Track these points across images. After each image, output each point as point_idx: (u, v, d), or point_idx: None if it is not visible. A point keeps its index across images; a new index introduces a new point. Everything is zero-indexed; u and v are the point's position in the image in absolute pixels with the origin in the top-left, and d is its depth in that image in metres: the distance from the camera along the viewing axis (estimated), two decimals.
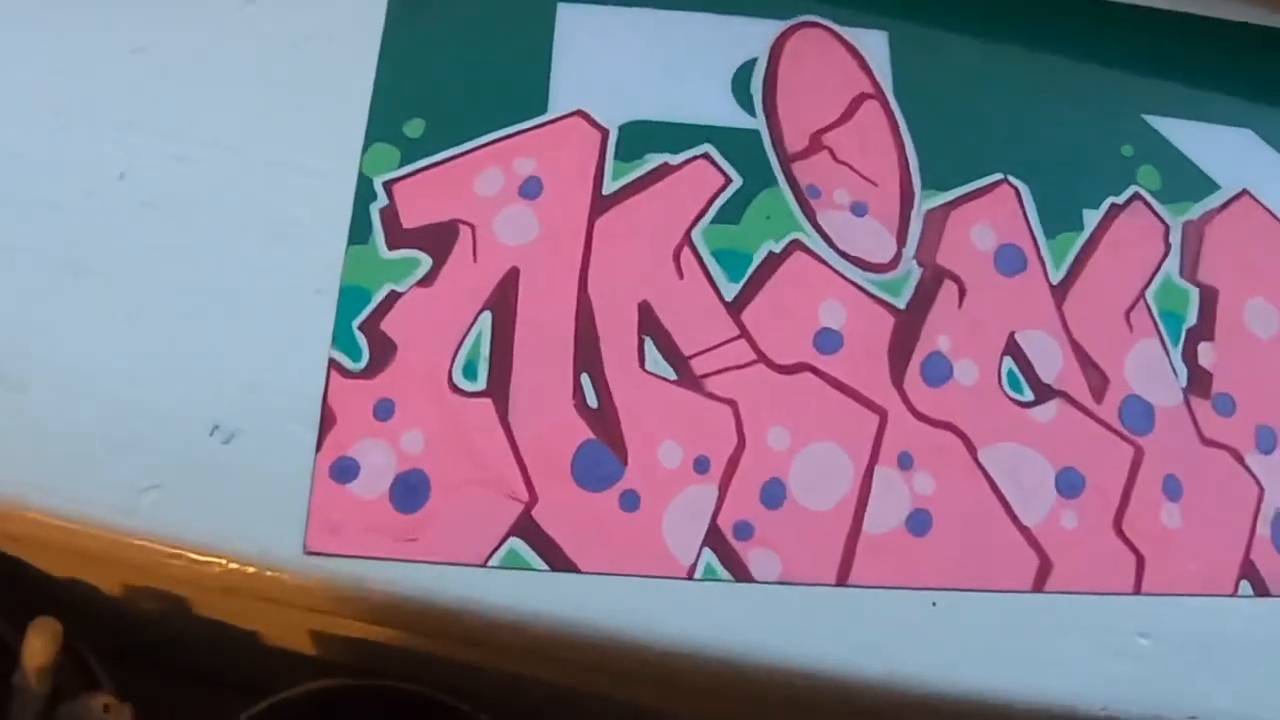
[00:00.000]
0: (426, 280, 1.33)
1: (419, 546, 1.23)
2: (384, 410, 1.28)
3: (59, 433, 1.25)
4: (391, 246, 1.35)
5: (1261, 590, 1.38)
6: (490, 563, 1.23)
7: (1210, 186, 1.54)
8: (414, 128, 1.40)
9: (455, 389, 1.30)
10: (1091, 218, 1.47)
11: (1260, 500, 1.41)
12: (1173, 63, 1.59)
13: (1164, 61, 1.59)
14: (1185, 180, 1.52)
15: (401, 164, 1.38)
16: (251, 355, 1.30)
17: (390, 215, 1.36)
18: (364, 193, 1.37)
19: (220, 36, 1.42)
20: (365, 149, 1.39)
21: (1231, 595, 1.37)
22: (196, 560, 1.24)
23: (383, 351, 1.30)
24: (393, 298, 1.32)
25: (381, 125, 1.39)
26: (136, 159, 1.38)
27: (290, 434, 1.27)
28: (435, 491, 1.25)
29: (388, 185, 1.37)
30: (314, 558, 1.23)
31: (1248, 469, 1.41)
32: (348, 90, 1.41)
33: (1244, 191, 1.55)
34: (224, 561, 1.23)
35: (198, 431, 1.28)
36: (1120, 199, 1.50)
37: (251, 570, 1.23)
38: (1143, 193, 1.51)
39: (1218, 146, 1.56)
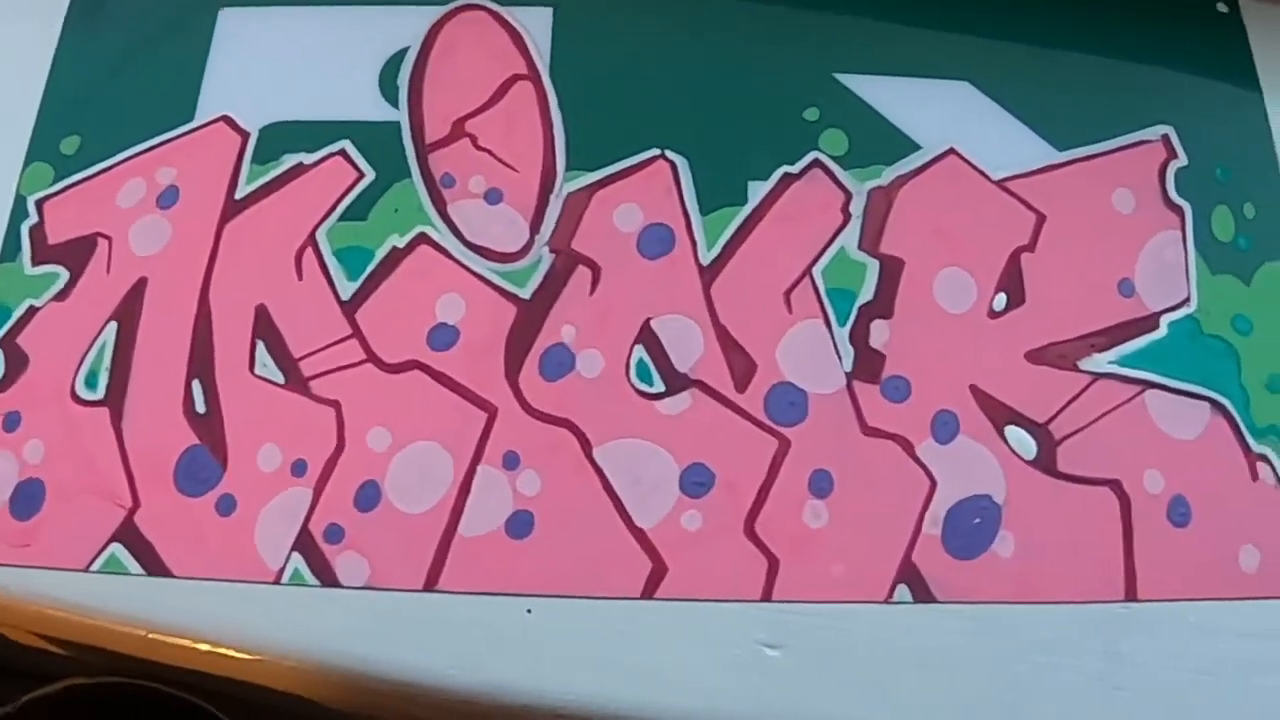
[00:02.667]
0: (62, 294, 1.31)
1: (30, 552, 1.21)
2: (11, 422, 1.27)
3: None
4: (36, 262, 1.33)
5: (923, 596, 1.20)
6: (91, 568, 1.21)
7: (909, 147, 1.35)
8: (70, 145, 1.37)
9: (77, 399, 1.27)
10: (758, 190, 1.32)
11: (931, 495, 1.23)
12: (876, 16, 1.40)
13: (865, 15, 1.40)
14: (878, 142, 1.34)
15: (55, 181, 1.36)
16: None
17: (38, 232, 1.34)
18: (18, 212, 1.35)
19: None
20: (24, 169, 1.38)
21: (885, 602, 1.20)
22: None
23: (16, 366, 1.28)
24: (30, 313, 1.30)
25: (41, 145, 1.38)
26: None
27: None
28: (50, 499, 1.23)
29: (39, 203, 1.35)
30: None
31: (918, 461, 1.24)
32: (14, 113, 1.41)
33: (950, 150, 1.36)
34: None
35: None
36: (795, 168, 1.33)
37: None
38: (824, 159, 1.34)
39: (925, 103, 1.37)
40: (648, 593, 1.17)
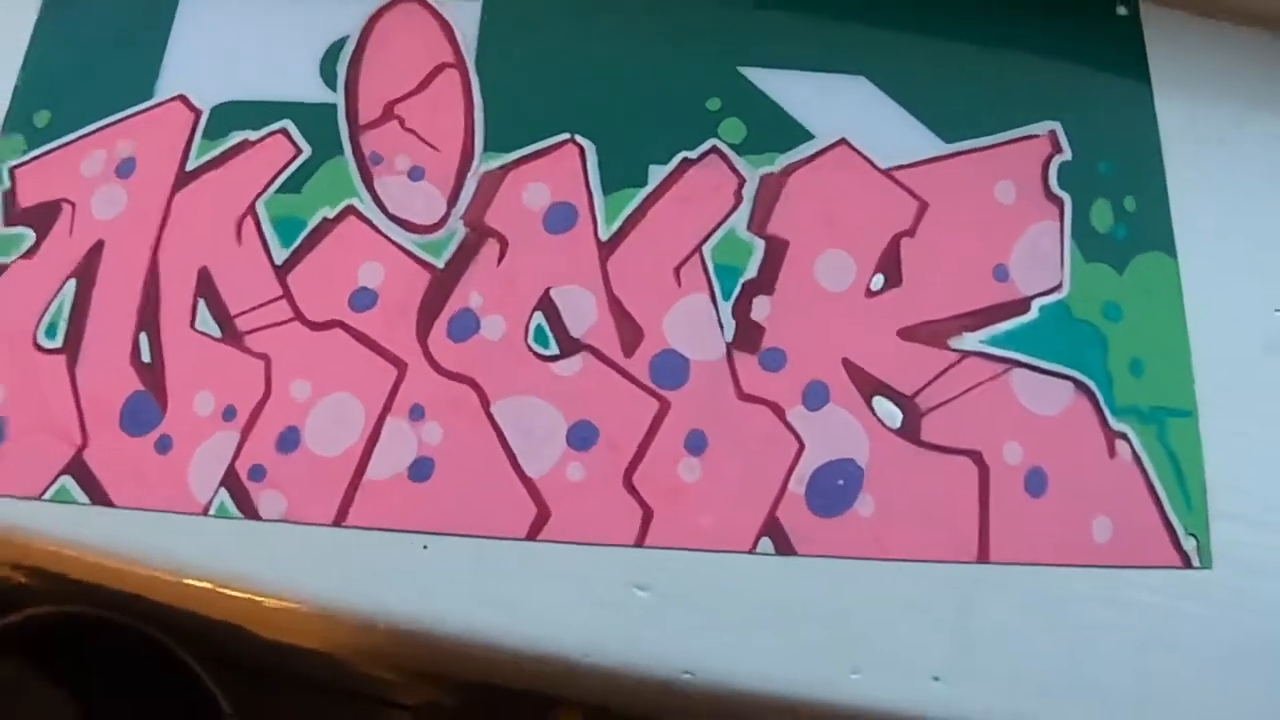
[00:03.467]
0: (29, 253, 1.44)
1: None
2: None
3: None
4: (7, 224, 1.46)
5: (785, 548, 1.30)
6: (44, 496, 1.34)
7: (803, 136, 1.43)
8: (42, 118, 1.50)
9: (39, 347, 1.40)
10: (658, 173, 1.41)
11: (798, 457, 1.32)
12: (778, 10, 1.48)
13: (770, 8, 1.49)
14: (774, 132, 1.43)
15: (27, 151, 1.49)
16: None
17: (9, 197, 1.47)
18: None
19: None
20: (1, 139, 1.52)
21: (748, 552, 1.29)
22: None
23: None
24: (0, 269, 1.45)
25: (16, 118, 1.51)
26: None
27: None
28: (11, 434, 1.36)
29: (12, 170, 1.49)
30: None
31: (789, 425, 1.33)
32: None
33: (841, 140, 1.44)
34: None
35: None
36: (694, 153, 1.42)
37: None
38: (721, 146, 1.43)
39: (821, 95, 1.45)
40: (532, 534, 1.28)
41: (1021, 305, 1.40)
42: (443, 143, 1.45)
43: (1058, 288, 1.41)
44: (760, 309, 1.37)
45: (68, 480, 1.35)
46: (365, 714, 1.67)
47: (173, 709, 1.51)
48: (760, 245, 1.39)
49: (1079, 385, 1.37)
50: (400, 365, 1.35)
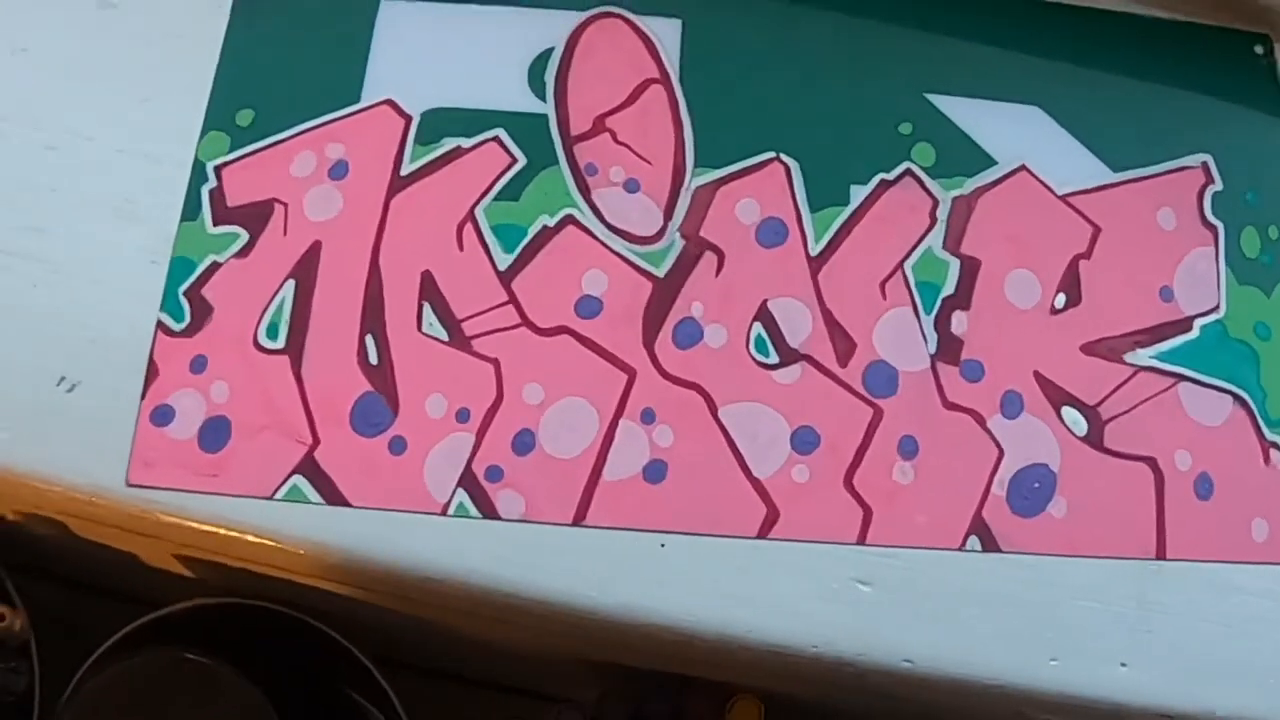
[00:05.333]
0: (243, 252, 1.43)
1: (220, 481, 1.35)
2: (199, 365, 1.39)
3: None
4: (216, 223, 1.45)
5: (990, 546, 1.38)
6: (276, 496, 1.34)
7: (987, 162, 1.51)
8: (244, 117, 1.49)
9: (259, 347, 1.40)
10: (859, 193, 1.47)
11: (999, 462, 1.41)
12: (960, 42, 1.56)
13: (952, 40, 1.56)
14: (961, 157, 1.51)
15: (231, 149, 1.48)
16: (94, 316, 1.43)
17: (218, 195, 1.46)
18: (197, 176, 1.47)
19: (86, 37, 1.54)
20: (202, 137, 1.49)
21: (959, 549, 1.38)
22: (41, 489, 1.38)
23: (202, 314, 1.41)
24: (214, 267, 1.43)
25: (217, 116, 1.49)
26: (9, 145, 1.50)
27: (121, 384, 1.40)
28: (235, 435, 1.36)
29: (218, 169, 1.47)
30: (135, 489, 1.36)
31: (989, 432, 1.41)
32: (191, 84, 1.51)
33: (1022, 167, 1.52)
34: (59, 492, 1.37)
35: (47, 382, 1.41)
36: (891, 175, 1.49)
37: (82, 498, 1.37)
38: (915, 169, 1.50)
39: (1001, 123, 1.53)
40: (762, 533, 1.34)
41: (1185, 324, 1.50)
42: (655, 157, 1.48)
43: (1215, 309, 1.51)
44: (959, 323, 1.44)
45: (299, 480, 1.35)
46: (534, 710, 1.70)
47: (344, 705, 1.52)
48: (955, 264, 1.46)
49: (1237, 399, 1.48)
50: (629, 371, 1.38)
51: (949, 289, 1.45)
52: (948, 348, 1.43)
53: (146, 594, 1.58)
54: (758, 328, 1.41)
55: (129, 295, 1.43)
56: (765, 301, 1.42)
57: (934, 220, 1.48)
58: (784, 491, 1.35)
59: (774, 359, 1.40)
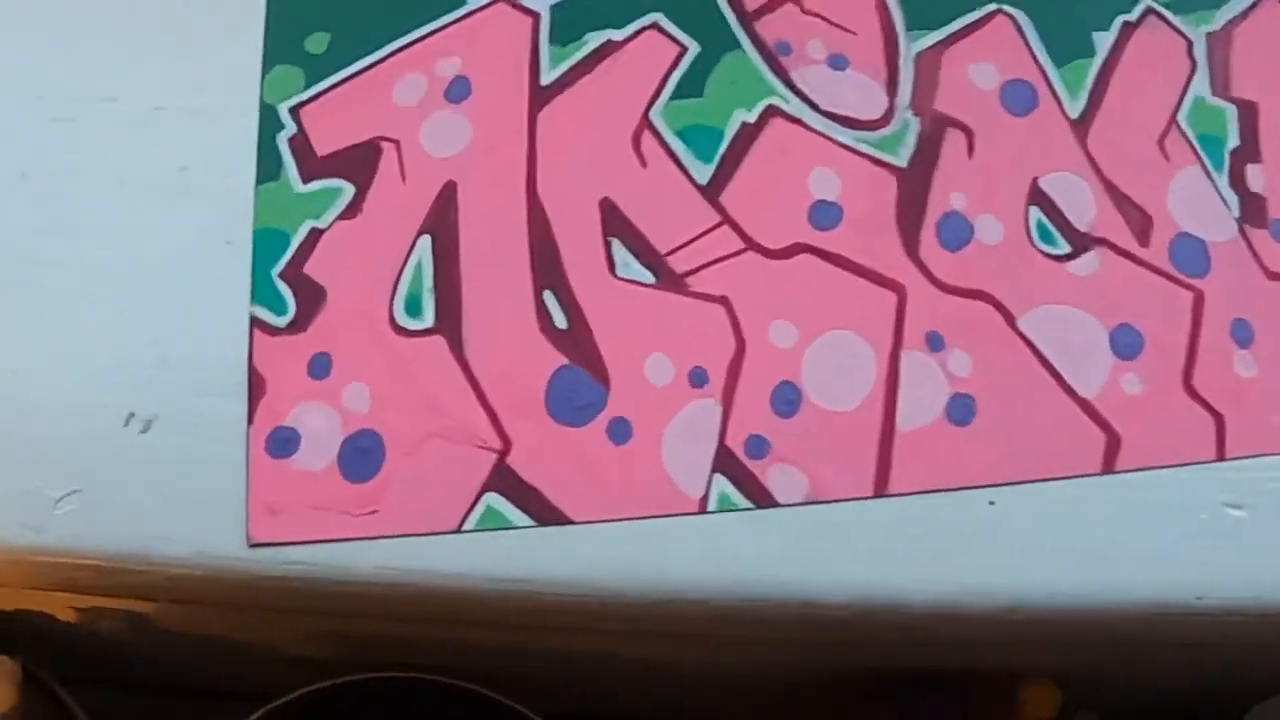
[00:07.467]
0: (351, 211, 1.04)
1: (379, 519, 0.95)
2: (320, 367, 0.99)
3: None
4: (306, 179, 1.05)
5: None
6: (465, 526, 0.96)
7: None
8: (317, 42, 1.09)
9: (399, 329, 1.00)
10: (1103, 40, 1.17)
11: None
12: None
13: None
14: None
15: (308, 85, 1.07)
16: (160, 328, 1.01)
17: (301, 144, 1.06)
18: (269, 123, 1.06)
19: None
20: (265, 74, 1.09)
21: None
22: (122, 570, 0.98)
23: (311, 299, 1.01)
24: (315, 236, 1.03)
25: (280, 45, 1.09)
26: (8, 124, 1.10)
27: (215, 409, 0.99)
28: (391, 453, 0.97)
29: (295, 110, 1.07)
30: (259, 549, 0.95)
31: None
32: (235, 12, 1.12)
33: None
34: (154, 569, 0.97)
35: (111, 422, 1.00)
36: (1132, 16, 1.19)
37: (187, 574, 0.97)
38: (1156, 6, 1.21)
39: None
40: (1107, 467, 1.02)
41: None
42: (857, 24, 1.14)
43: None
44: (1255, 178, 1.14)
45: (494, 499, 0.96)
46: None
47: None
48: (1232, 110, 1.17)
49: None
50: (897, 288, 1.04)
51: (1233, 140, 1.15)
52: (1252, 209, 1.12)
53: (241, 688, 1.19)
54: (1035, 213, 1.09)
55: (204, 291, 1.01)
56: (1035, 180, 1.09)
57: (1193, 62, 1.19)
58: (1119, 409, 1.02)
59: (1064, 248, 1.08)
